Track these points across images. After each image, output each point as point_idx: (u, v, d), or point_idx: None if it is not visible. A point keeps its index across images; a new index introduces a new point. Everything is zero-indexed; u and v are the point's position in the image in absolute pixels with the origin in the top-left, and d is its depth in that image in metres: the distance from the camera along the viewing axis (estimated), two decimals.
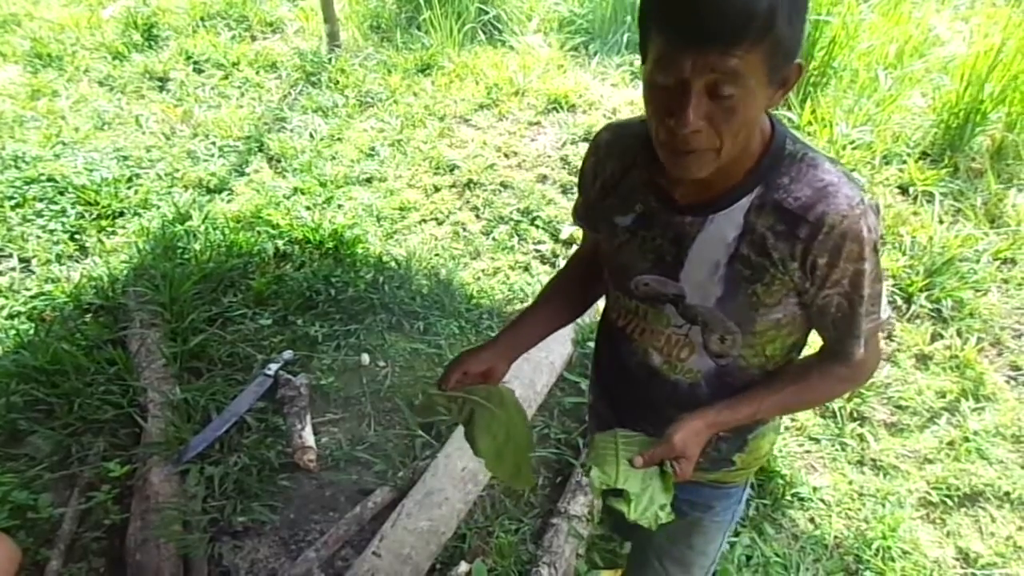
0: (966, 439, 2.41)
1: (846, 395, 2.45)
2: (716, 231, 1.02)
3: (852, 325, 1.04)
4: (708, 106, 0.87)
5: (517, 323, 1.30)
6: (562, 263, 2.98)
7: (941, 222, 3.20)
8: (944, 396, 2.56)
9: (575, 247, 1.48)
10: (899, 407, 2.53)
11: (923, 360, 2.70)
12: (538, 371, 2.43)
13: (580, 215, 1.27)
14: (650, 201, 1.08)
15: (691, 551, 1.37)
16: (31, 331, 2.59)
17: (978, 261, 3.02)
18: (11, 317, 2.69)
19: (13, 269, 2.90)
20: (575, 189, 3.45)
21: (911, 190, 3.37)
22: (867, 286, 1.00)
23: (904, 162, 3.48)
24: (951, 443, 2.41)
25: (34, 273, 2.89)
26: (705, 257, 1.04)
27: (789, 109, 3.65)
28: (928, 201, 3.31)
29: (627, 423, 1.17)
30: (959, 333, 2.78)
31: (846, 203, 0.94)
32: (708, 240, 1.03)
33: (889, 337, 2.78)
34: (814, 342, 1.15)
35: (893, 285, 2.93)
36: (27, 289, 2.81)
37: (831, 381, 1.14)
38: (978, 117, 3.50)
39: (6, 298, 2.77)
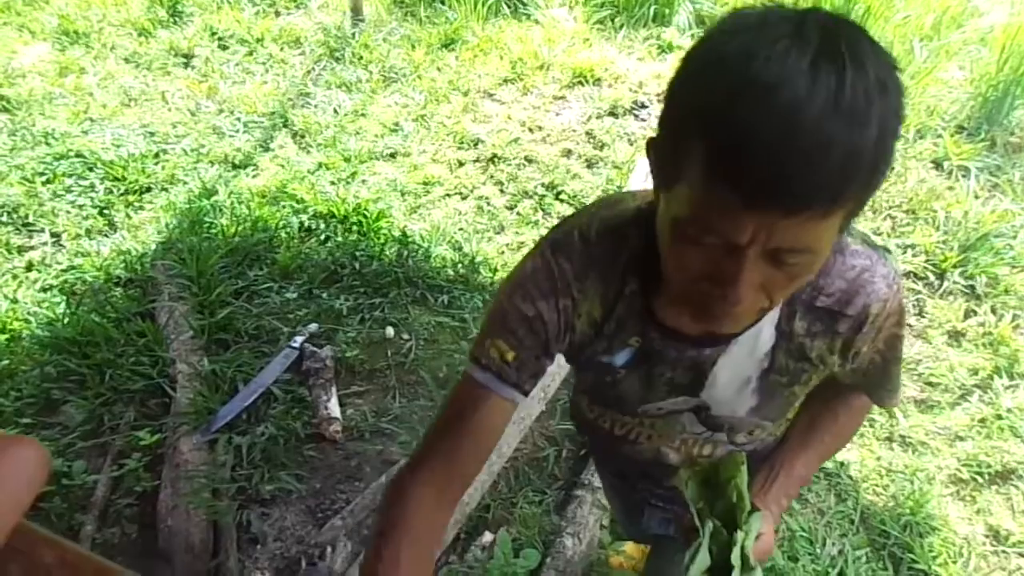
0: (999, 416, 2.37)
1: None
2: (743, 350, 0.88)
3: (885, 378, 0.99)
4: (764, 273, 0.68)
5: None
6: None
7: (977, 197, 3.12)
8: (976, 373, 2.51)
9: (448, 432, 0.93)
10: (930, 384, 2.49)
11: (955, 337, 2.65)
12: None
13: (509, 375, 0.89)
14: (650, 334, 0.88)
15: None
16: (63, 304, 2.63)
17: (1015, 237, 2.95)
18: (44, 290, 2.74)
19: (45, 243, 2.94)
20: (600, 163, 3.45)
21: (946, 164, 3.29)
22: (902, 348, 0.96)
23: (939, 136, 3.40)
24: (983, 420, 2.37)
25: (65, 247, 2.93)
26: (732, 377, 0.91)
27: None
28: (963, 176, 3.23)
29: (637, 485, 1.15)
30: (993, 310, 2.72)
31: (884, 286, 0.84)
32: (733, 361, 0.89)
33: (920, 313, 2.73)
34: None
35: (926, 261, 2.87)
36: (58, 263, 2.86)
37: (859, 416, 1.10)
38: (1018, 90, 3.40)
39: (38, 272, 2.82)
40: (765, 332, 0.87)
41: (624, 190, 0.94)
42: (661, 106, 0.69)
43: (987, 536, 2.11)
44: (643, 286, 0.86)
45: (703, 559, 0.88)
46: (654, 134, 0.72)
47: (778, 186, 0.60)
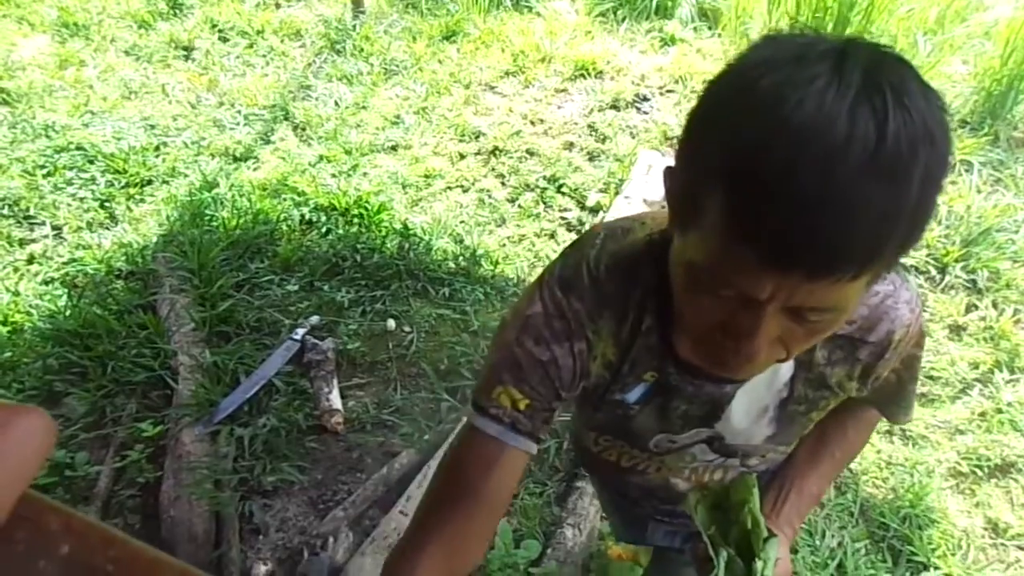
0: (999, 410, 2.37)
1: None
2: (761, 382, 0.84)
3: (900, 396, 0.96)
4: (783, 327, 0.63)
5: None
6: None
7: (979, 192, 3.12)
8: (977, 367, 2.51)
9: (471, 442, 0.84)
10: (930, 378, 2.49)
11: (956, 331, 2.65)
12: None
13: (523, 425, 0.82)
14: (667, 369, 0.83)
15: None
16: (64, 296, 2.63)
17: (1017, 231, 2.95)
18: (45, 283, 2.74)
19: (46, 236, 2.94)
20: (601, 156, 3.45)
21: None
22: (919, 368, 0.93)
23: None
24: (983, 414, 2.37)
25: (66, 240, 2.93)
26: (750, 408, 0.87)
27: None
28: (966, 170, 3.23)
29: (641, 503, 1.13)
30: (994, 304, 2.72)
31: (908, 311, 0.80)
32: (751, 393, 0.86)
33: (922, 308, 2.73)
34: None
35: (928, 255, 2.87)
36: (59, 256, 2.86)
37: (868, 429, 1.08)
38: (1022, 85, 3.40)
39: (40, 264, 2.82)
40: (784, 365, 0.83)
41: (630, 216, 0.90)
42: (681, 137, 0.63)
43: (986, 529, 2.12)
44: (659, 320, 0.80)
45: None
46: (672, 164, 0.66)
47: (803, 249, 0.54)
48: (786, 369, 0.83)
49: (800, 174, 0.52)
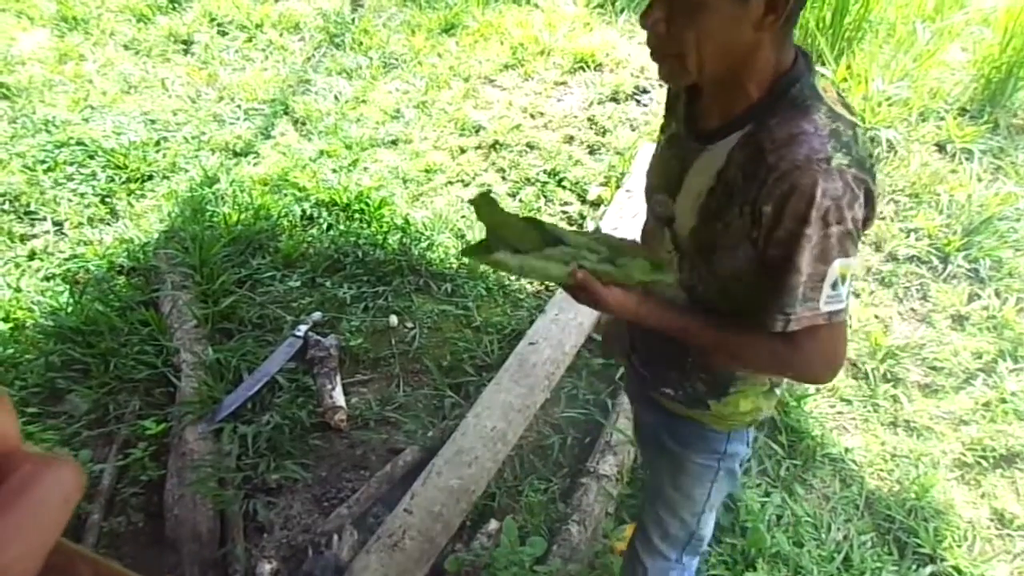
0: (1003, 400, 2.37)
1: (784, 377, 1.45)
2: (707, 162, 1.01)
3: (777, 293, 0.93)
4: (671, 8, 0.91)
5: None
6: (590, 224, 2.96)
7: (980, 180, 3.11)
8: (981, 357, 2.51)
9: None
10: (934, 368, 2.49)
11: (959, 321, 2.64)
12: (567, 333, 2.42)
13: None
14: (681, 125, 1.11)
15: (677, 492, 1.35)
16: (66, 293, 2.63)
17: (1019, 220, 2.94)
18: (47, 279, 2.73)
19: (47, 232, 2.93)
20: (602, 149, 3.44)
21: (949, 147, 3.27)
22: (805, 258, 0.89)
23: (942, 119, 3.38)
24: (987, 404, 2.37)
25: (67, 236, 2.92)
26: (694, 186, 1.04)
27: (823, 65, 3.54)
28: (967, 158, 3.22)
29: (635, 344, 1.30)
30: (997, 293, 2.71)
31: (804, 154, 0.87)
32: (700, 169, 1.03)
33: (924, 297, 2.72)
34: None
35: (929, 244, 2.87)
36: (61, 252, 2.85)
37: (762, 349, 1.02)
38: (1021, 71, 3.38)
39: (41, 260, 2.81)
40: (722, 153, 0.98)
41: None
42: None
43: (992, 519, 2.12)
44: (688, 92, 1.09)
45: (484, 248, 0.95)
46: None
47: None
48: (721, 160, 0.98)
49: None
